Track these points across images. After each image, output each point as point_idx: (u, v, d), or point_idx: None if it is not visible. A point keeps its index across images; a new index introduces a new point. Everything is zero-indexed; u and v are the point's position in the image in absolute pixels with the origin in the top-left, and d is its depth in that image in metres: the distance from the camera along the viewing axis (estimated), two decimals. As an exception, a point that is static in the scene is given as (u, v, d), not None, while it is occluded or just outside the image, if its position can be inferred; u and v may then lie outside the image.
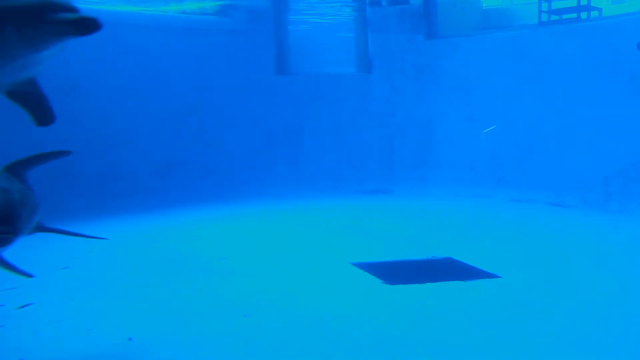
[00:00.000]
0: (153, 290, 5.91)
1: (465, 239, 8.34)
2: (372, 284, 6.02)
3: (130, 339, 4.59)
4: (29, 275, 2.82)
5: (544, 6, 13.17)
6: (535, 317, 4.96)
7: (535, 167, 11.55)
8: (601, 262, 6.86)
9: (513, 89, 11.83)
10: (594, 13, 13.03)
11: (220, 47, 13.03)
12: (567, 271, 6.44)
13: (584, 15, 12.86)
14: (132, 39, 12.01)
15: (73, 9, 2.85)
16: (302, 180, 13.05)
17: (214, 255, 7.41)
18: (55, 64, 3.36)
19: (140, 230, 9.27)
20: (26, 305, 5.42)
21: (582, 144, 10.90)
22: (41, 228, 4.06)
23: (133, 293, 5.85)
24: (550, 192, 11.14)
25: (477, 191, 12.05)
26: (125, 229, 9.31)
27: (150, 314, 5.19)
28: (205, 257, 7.32)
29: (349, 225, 9.59)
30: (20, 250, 7.95)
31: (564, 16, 12.93)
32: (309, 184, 12.96)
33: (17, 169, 3.99)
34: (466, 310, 5.17)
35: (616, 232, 8.70)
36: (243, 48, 13.23)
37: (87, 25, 2.77)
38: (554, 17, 13.11)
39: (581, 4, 12.82)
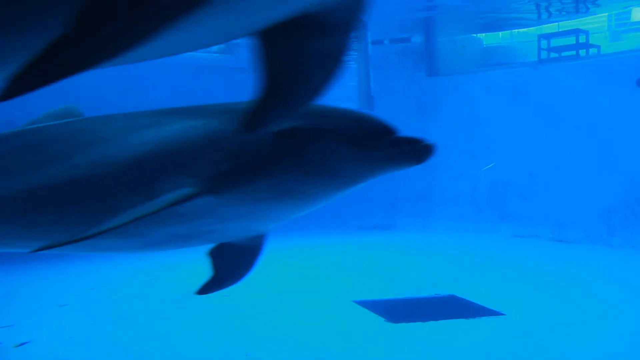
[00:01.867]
0: (153, 329, 5.84)
1: (469, 275, 8.26)
2: (374, 323, 5.93)
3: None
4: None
5: (544, 44, 13.34)
6: (540, 356, 4.87)
7: (538, 203, 11.52)
8: (606, 298, 6.77)
9: (514, 125, 11.89)
10: (593, 50, 13.19)
11: (223, 84, 13.18)
12: (572, 308, 6.35)
13: (582, 52, 13.01)
14: (134, 75, 12.15)
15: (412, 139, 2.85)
16: (304, 217, 13.00)
17: (214, 293, 7.32)
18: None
19: (141, 267, 9.21)
20: (23, 343, 5.35)
21: (584, 179, 10.89)
22: None
23: (132, 332, 5.77)
24: (554, 227, 11.09)
25: (480, 227, 11.99)
26: (127, 266, 9.26)
27: (149, 354, 5.11)
28: (205, 296, 7.23)
29: (351, 261, 9.52)
30: (19, 286, 7.94)
31: (564, 53, 13.09)
32: (311, 221, 12.92)
33: None
34: (470, 350, 5.08)
35: (620, 267, 8.61)
36: (246, 86, 13.36)
37: (424, 154, 2.82)
38: (553, 55, 13.27)
39: (580, 41, 12.99)
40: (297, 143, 2.75)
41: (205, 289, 3.79)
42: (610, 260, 9.17)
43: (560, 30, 14.04)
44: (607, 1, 12.51)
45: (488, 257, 9.68)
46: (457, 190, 12.70)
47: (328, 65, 2.01)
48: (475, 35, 15.55)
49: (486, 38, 16.25)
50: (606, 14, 15.04)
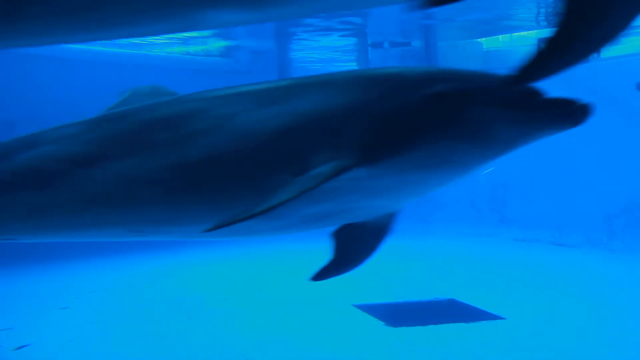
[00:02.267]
0: (153, 332, 5.83)
1: (469, 279, 8.25)
2: (374, 327, 5.92)
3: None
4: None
5: (544, 47, 13.32)
6: (540, 361, 4.86)
7: (539, 207, 11.52)
8: (606, 302, 6.76)
9: (514, 128, 11.88)
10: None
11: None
12: (572, 312, 6.34)
13: (583, 56, 12.99)
14: (135, 79, 12.16)
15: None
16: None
17: (214, 296, 7.33)
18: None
19: (141, 269, 9.21)
20: (23, 346, 5.34)
21: (585, 184, 10.89)
22: None
23: (132, 334, 5.76)
24: (554, 231, 11.07)
25: (480, 231, 11.98)
26: (127, 267, 9.25)
27: (149, 357, 5.10)
28: (206, 299, 7.24)
29: (351, 265, 9.50)
30: (19, 288, 7.92)
31: (564, 57, 13.07)
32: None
33: None
34: (470, 354, 5.07)
35: (621, 271, 8.60)
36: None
37: (581, 115, 2.67)
38: (553, 58, 13.25)
39: (580, 45, 12.98)
40: (450, 107, 2.59)
41: (322, 274, 3.65)
42: (610, 264, 9.16)
43: (560, 34, 14.02)
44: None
45: (488, 261, 9.67)
46: (457, 194, 12.70)
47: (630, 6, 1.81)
48: (475, 39, 15.56)
49: (486, 42, 16.26)
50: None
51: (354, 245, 3.45)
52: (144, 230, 3.06)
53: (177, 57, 14.03)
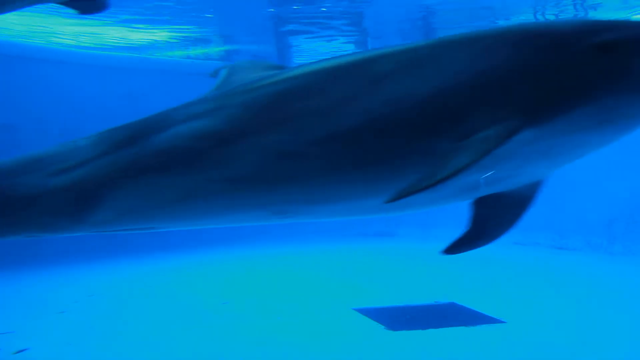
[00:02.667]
0: (152, 336, 5.81)
1: (469, 282, 8.23)
2: (374, 330, 5.91)
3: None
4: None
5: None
6: (541, 364, 4.85)
7: (539, 210, 11.49)
8: (607, 306, 6.75)
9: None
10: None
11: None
12: (572, 316, 6.33)
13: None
14: (136, 83, 12.19)
15: None
16: (305, 224, 13.00)
17: (214, 300, 7.32)
18: None
19: (141, 272, 9.20)
20: (22, 350, 5.33)
21: (585, 187, 10.88)
22: None
23: (131, 340, 5.75)
24: (554, 235, 11.07)
25: (481, 234, 11.95)
26: (126, 271, 9.25)
27: (148, 360, 5.10)
28: (206, 302, 7.23)
29: (351, 269, 9.50)
30: (18, 292, 7.91)
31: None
32: (312, 228, 12.90)
33: None
34: (470, 358, 5.06)
35: (621, 274, 8.59)
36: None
37: None
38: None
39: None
40: (619, 58, 2.34)
41: (455, 247, 3.43)
42: (610, 267, 9.15)
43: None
44: (606, 7, 12.53)
45: (488, 265, 9.65)
46: (458, 197, 12.69)
47: None
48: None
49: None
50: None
51: (494, 217, 3.21)
52: (290, 211, 2.89)
53: (177, 60, 14.04)
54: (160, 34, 12.45)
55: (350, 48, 13.93)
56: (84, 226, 3.03)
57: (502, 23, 12.48)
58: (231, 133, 2.71)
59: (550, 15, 12.88)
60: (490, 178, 2.63)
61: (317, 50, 14.01)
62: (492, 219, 3.21)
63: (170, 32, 12.39)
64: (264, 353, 5.22)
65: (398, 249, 11.57)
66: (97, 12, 3.12)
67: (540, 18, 13.14)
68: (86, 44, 12.70)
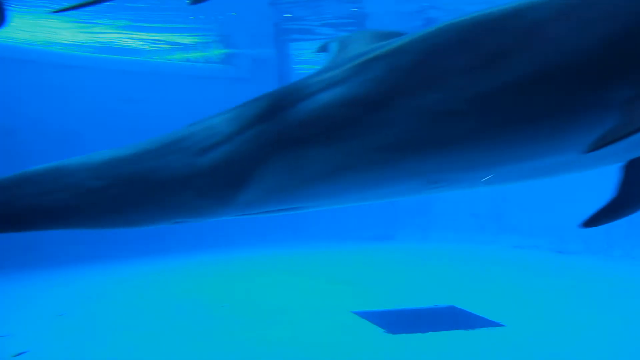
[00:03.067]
0: (151, 338, 5.81)
1: (469, 286, 8.23)
2: (373, 334, 5.91)
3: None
4: None
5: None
6: (540, 368, 4.85)
7: (539, 214, 11.51)
8: (606, 308, 6.75)
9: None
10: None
11: (224, 94, 13.20)
12: (572, 319, 6.32)
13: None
14: (136, 86, 12.20)
15: None
16: (305, 227, 13.01)
17: (212, 302, 7.31)
18: None
19: (139, 274, 9.19)
20: (21, 353, 5.33)
21: (584, 190, 10.88)
22: None
23: (130, 342, 5.74)
24: (554, 238, 11.07)
25: (480, 237, 11.97)
26: (125, 273, 9.24)
27: (147, 363, 5.09)
28: (203, 305, 7.22)
29: (350, 272, 9.49)
30: (16, 294, 7.90)
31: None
32: (312, 231, 12.91)
33: None
34: (470, 361, 5.06)
35: (620, 278, 8.60)
36: (247, 96, 13.38)
37: None
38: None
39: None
40: None
41: (597, 219, 3.20)
42: (610, 271, 9.15)
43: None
44: None
45: (488, 268, 9.66)
46: (458, 201, 12.70)
47: None
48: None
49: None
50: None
51: None
52: (447, 179, 2.74)
53: (177, 64, 14.07)
54: (159, 37, 12.48)
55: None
56: (233, 208, 2.87)
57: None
58: (379, 98, 2.52)
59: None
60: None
61: (317, 54, 14.05)
62: None
63: (169, 35, 12.42)
64: (262, 356, 5.21)
65: (397, 252, 11.57)
66: None
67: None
68: (86, 46, 12.73)
